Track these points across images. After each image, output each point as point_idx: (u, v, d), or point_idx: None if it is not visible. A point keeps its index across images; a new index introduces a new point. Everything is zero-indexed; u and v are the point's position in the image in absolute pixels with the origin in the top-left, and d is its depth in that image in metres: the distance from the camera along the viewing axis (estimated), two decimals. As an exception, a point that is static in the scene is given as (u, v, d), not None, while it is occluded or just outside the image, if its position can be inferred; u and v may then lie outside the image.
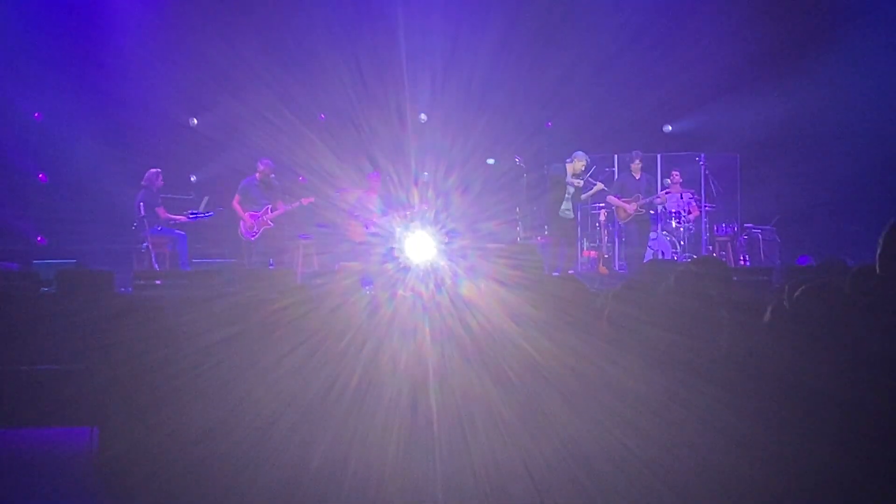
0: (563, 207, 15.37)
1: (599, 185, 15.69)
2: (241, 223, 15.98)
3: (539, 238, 15.85)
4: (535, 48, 19.07)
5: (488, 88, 18.89)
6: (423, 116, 19.51)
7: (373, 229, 16.55)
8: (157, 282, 13.07)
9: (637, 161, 16.31)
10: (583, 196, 15.67)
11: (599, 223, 17.80)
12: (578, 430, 3.82)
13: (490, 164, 18.18)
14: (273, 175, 16.31)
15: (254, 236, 15.91)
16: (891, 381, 3.63)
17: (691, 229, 17.14)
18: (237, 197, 16.08)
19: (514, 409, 4.24)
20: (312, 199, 16.34)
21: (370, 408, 4.65)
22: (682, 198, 17.11)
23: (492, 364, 4.55)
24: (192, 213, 16.75)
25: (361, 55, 18.69)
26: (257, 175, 16.14)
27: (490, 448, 4.13)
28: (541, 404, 3.94)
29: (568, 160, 15.63)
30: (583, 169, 15.53)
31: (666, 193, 17.07)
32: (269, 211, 15.93)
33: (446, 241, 17.45)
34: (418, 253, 16.07)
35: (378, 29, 18.78)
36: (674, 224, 17.09)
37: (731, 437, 3.60)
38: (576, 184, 15.45)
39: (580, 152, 15.64)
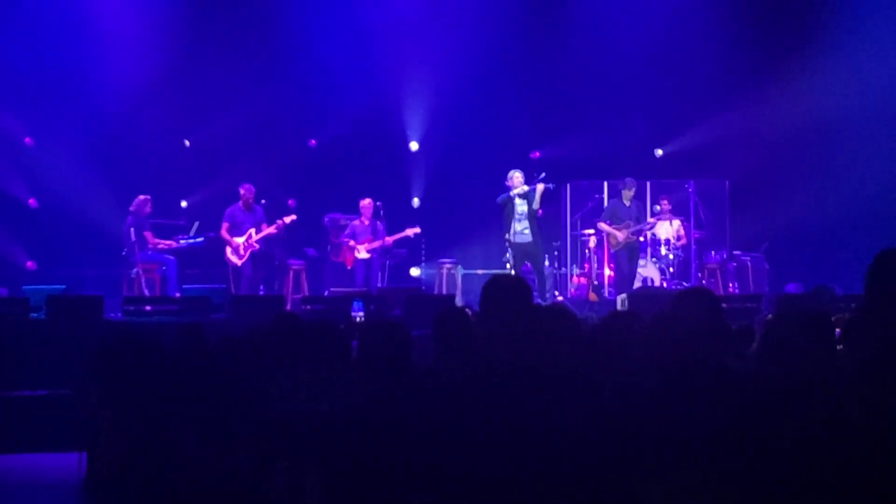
0: (520, 229, 15.18)
1: (540, 185, 15.42)
2: (227, 248, 15.97)
3: (508, 266, 15.64)
4: (526, 75, 19.16)
5: (479, 116, 18.95)
6: (414, 145, 19.54)
7: (363, 255, 16.58)
8: (147, 307, 13.09)
9: (628, 188, 16.33)
10: (535, 206, 15.36)
11: (589, 249, 17.81)
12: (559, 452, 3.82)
13: (481, 191, 18.14)
14: (262, 200, 16.33)
15: (241, 260, 15.90)
16: (880, 411, 3.65)
17: (681, 256, 17.16)
18: (225, 225, 16.06)
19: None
20: (294, 217, 16.38)
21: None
22: (671, 225, 17.14)
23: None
24: (182, 239, 16.76)
25: (353, 82, 18.75)
26: (240, 201, 16.16)
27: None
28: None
29: (507, 181, 15.47)
30: (522, 181, 15.35)
31: (657, 220, 17.10)
32: (253, 234, 15.93)
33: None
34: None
35: (370, 57, 18.86)
36: (663, 251, 17.12)
37: (717, 470, 3.61)
38: (521, 192, 15.17)
39: (512, 170, 15.46)
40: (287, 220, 16.24)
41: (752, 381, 4.24)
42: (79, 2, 17.94)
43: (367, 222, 16.83)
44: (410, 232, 16.83)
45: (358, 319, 12.16)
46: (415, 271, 18.68)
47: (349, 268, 16.82)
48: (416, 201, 19.49)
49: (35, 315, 12.31)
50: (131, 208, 15.85)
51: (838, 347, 4.59)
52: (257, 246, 15.97)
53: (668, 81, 18.77)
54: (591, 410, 3.94)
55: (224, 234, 16.02)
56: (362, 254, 16.56)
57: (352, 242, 16.63)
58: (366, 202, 16.88)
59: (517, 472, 3.70)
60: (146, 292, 15.26)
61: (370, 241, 16.62)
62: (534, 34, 19.04)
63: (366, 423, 4.31)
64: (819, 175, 17.95)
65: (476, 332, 5.29)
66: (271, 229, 16.05)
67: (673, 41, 18.48)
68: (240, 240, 15.88)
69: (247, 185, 16.24)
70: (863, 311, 4.22)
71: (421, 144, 19.51)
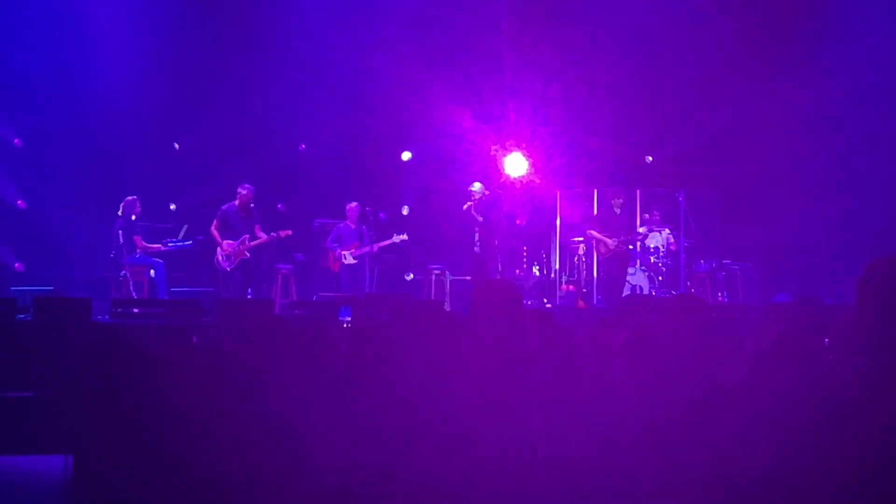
0: (476, 238, 15.68)
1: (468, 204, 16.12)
2: (218, 251, 15.83)
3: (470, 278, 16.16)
4: (516, 84, 19.16)
5: (470, 124, 18.95)
6: (406, 154, 19.54)
7: (350, 261, 16.56)
8: (135, 310, 13.02)
9: (617, 197, 16.35)
10: (479, 217, 16.00)
11: (578, 257, 17.83)
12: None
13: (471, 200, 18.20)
14: (252, 203, 16.22)
15: (230, 266, 15.77)
16: (869, 424, 3.65)
17: (670, 265, 17.19)
18: (215, 223, 15.91)
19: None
20: (290, 233, 16.29)
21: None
22: (661, 234, 17.17)
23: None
24: (170, 242, 16.72)
25: (344, 87, 18.75)
26: (237, 202, 15.97)
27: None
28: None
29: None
30: (482, 192, 15.96)
31: (647, 230, 17.12)
32: (247, 241, 15.81)
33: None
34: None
35: (363, 62, 18.84)
36: (652, 260, 17.15)
37: (705, 478, 3.61)
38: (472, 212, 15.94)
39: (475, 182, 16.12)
40: (282, 233, 16.13)
41: (741, 389, 4.24)
42: (68, 3, 17.89)
43: (353, 226, 16.82)
44: (397, 239, 16.81)
45: (345, 325, 12.14)
46: (410, 276, 18.69)
47: (335, 272, 16.79)
48: (405, 209, 19.47)
49: (22, 316, 12.26)
50: (120, 211, 15.81)
51: (828, 357, 4.59)
52: (248, 255, 15.81)
53: (658, 91, 18.80)
54: (582, 417, 3.94)
55: (214, 231, 15.87)
56: (349, 259, 16.54)
57: (339, 251, 16.62)
58: (352, 205, 16.89)
59: (507, 477, 3.69)
60: (134, 295, 15.22)
61: (357, 246, 16.61)
62: (524, 43, 19.04)
63: (355, 427, 4.30)
64: (809, 185, 18.00)
65: (464, 336, 5.28)
66: (265, 239, 15.92)
67: (663, 48, 18.52)
68: (231, 245, 15.76)
69: (246, 186, 15.99)
70: (854, 320, 4.22)
71: (410, 151, 19.50)
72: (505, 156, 17.93)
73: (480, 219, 16.09)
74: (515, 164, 18.11)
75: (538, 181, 17.72)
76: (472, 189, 16.38)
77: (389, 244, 16.86)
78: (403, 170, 19.57)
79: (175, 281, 16.61)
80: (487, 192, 16.21)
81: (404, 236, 16.85)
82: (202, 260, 16.81)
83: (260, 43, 18.73)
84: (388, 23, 18.68)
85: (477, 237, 16.21)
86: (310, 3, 18.59)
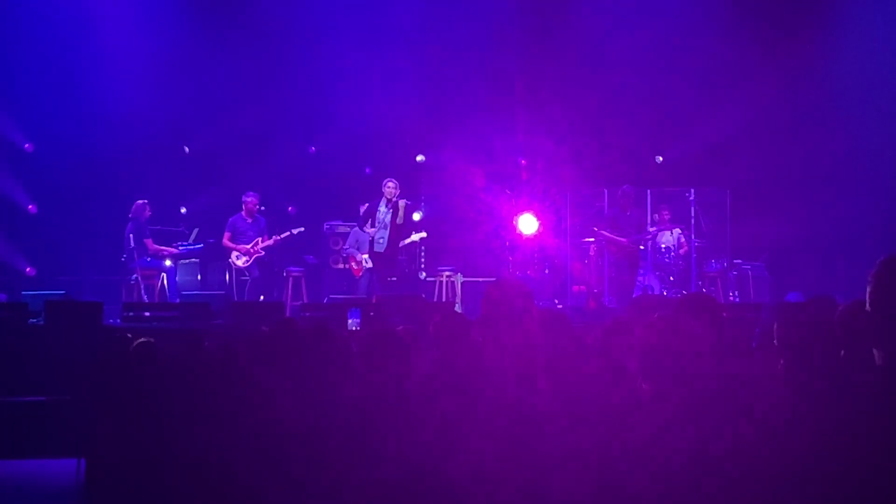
0: (378, 237, 15.62)
1: (402, 202, 16.02)
2: (233, 254, 15.99)
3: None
4: (526, 83, 19.14)
5: (479, 125, 18.90)
6: (420, 157, 19.49)
7: (369, 264, 16.56)
8: (146, 313, 13.06)
9: (626, 196, 16.31)
10: (399, 220, 15.83)
11: (589, 257, 17.79)
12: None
13: (480, 199, 18.14)
14: (262, 207, 16.34)
15: (246, 263, 15.96)
16: (880, 419, 3.64)
17: (681, 265, 17.14)
18: (227, 234, 16.10)
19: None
20: (303, 229, 16.42)
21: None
22: (671, 234, 17.12)
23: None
24: (181, 245, 16.76)
25: (355, 89, 18.73)
26: (243, 210, 16.19)
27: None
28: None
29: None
30: (394, 192, 15.85)
31: (658, 230, 17.08)
32: (260, 242, 16.00)
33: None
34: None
35: (372, 65, 18.82)
36: (664, 260, 17.11)
37: (714, 480, 3.60)
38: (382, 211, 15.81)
39: (388, 179, 16.02)
40: (295, 231, 16.34)
41: (753, 388, 4.23)
42: (78, 7, 17.92)
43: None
44: (416, 237, 16.74)
45: (354, 328, 12.09)
46: (423, 276, 18.64)
47: (357, 277, 16.77)
48: (416, 215, 19.35)
49: (34, 321, 12.28)
50: (130, 214, 15.86)
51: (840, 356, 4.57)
52: (262, 252, 16.06)
53: (669, 90, 18.73)
54: (594, 415, 3.93)
55: (226, 242, 16.09)
56: (369, 263, 16.53)
57: (359, 256, 16.61)
58: (365, 207, 16.90)
59: (518, 476, 3.69)
60: (145, 298, 15.26)
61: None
62: (534, 43, 19.02)
63: (364, 429, 4.30)
64: (820, 184, 17.92)
65: (475, 337, 5.28)
66: (279, 239, 16.16)
67: (673, 47, 18.46)
68: (246, 247, 15.96)
69: (251, 194, 16.26)
70: (869, 314, 4.20)
71: (420, 153, 19.47)
72: (517, 215, 17.90)
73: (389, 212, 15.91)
74: (527, 224, 18.04)
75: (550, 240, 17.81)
76: (389, 183, 15.91)
77: (409, 243, 16.75)
78: (414, 170, 19.52)
79: (186, 284, 16.66)
80: (397, 196, 15.95)
81: (423, 234, 16.78)
82: (213, 263, 16.87)
83: (269, 45, 18.72)
84: (396, 23, 18.68)
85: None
86: (322, 34, 18.68)
